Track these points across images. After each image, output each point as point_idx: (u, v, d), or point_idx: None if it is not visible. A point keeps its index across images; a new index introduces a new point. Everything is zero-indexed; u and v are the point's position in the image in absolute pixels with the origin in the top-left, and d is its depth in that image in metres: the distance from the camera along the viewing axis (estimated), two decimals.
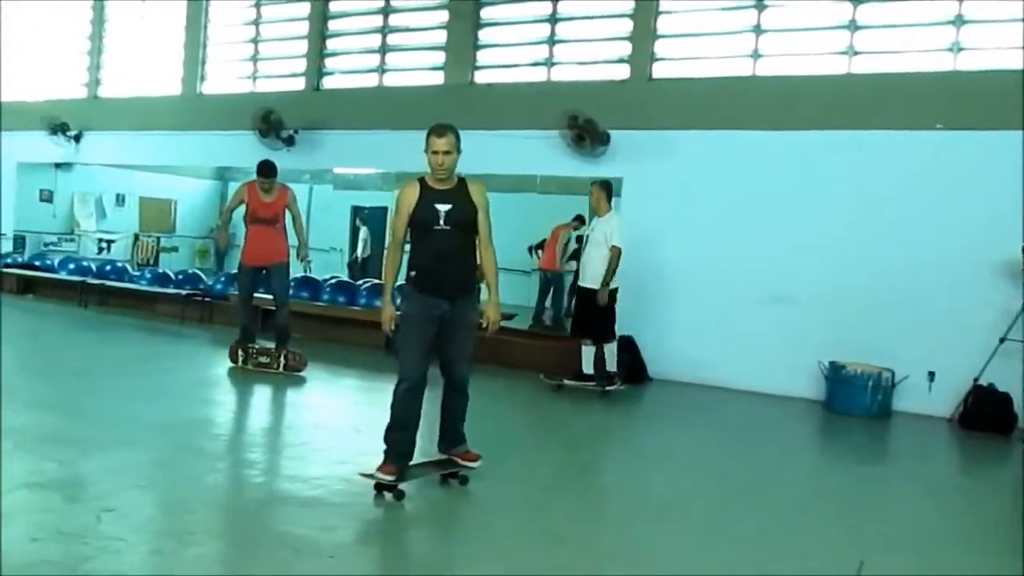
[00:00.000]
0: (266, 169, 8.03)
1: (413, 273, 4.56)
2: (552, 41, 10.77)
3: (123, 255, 18.80)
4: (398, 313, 4.62)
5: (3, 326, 11.10)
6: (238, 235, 8.94)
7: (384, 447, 4.56)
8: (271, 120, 12.08)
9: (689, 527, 4.50)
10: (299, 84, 12.64)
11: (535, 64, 10.89)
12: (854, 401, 8.31)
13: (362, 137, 11.76)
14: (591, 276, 8.11)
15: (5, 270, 13.85)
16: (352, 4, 12.42)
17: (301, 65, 12.64)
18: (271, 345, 8.36)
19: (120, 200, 19.58)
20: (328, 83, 12.57)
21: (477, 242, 4.61)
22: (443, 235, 4.45)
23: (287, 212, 8.19)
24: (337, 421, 6.69)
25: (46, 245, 17.74)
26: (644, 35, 10.02)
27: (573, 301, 9.71)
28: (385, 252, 4.78)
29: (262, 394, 7.59)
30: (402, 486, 4.44)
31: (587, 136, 9.80)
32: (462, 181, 4.55)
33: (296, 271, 12.68)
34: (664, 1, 10.01)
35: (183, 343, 10.52)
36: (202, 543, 3.81)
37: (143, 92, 14.39)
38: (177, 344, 10.42)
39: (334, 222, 18.90)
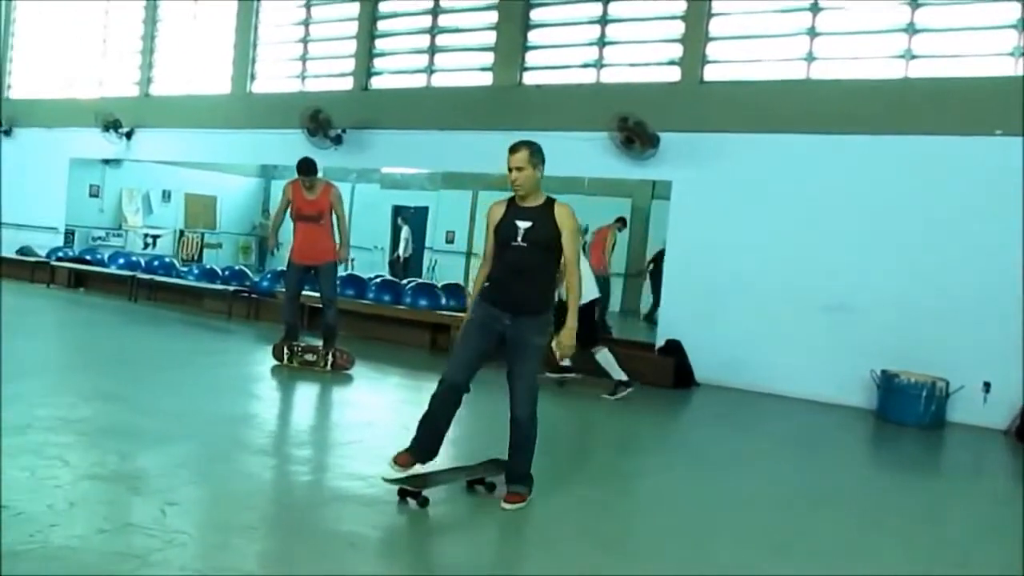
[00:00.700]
0: (305, 168, 8.05)
1: (486, 284, 4.61)
2: (602, 43, 10.72)
3: (168, 250, 19.10)
4: None
5: (59, 319, 11.37)
6: (284, 232, 8.98)
7: (412, 436, 4.55)
8: (319, 119, 12.17)
9: (755, 539, 4.44)
10: (347, 84, 12.72)
11: (585, 66, 10.84)
12: (907, 411, 8.17)
13: (410, 137, 11.82)
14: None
15: (57, 264, 14.14)
16: (401, 4, 12.48)
17: (350, 65, 12.72)
18: (317, 343, 8.42)
19: (166, 196, 19.88)
20: (376, 83, 12.64)
21: (563, 264, 4.52)
22: (517, 251, 4.45)
23: (332, 211, 8.23)
24: (387, 419, 6.71)
25: (94, 239, 18.07)
26: (696, 37, 9.94)
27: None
28: (478, 266, 4.78)
29: (311, 391, 7.64)
30: (427, 493, 4.33)
31: (637, 138, 9.74)
32: (550, 202, 4.48)
33: (342, 269, 12.80)
34: (716, 3, 9.91)
35: (231, 339, 10.63)
36: (265, 539, 3.84)
37: (194, 91, 14.59)
38: (225, 340, 10.54)
39: (376, 221, 19.01)
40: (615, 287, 13.31)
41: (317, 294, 8.60)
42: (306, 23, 13.41)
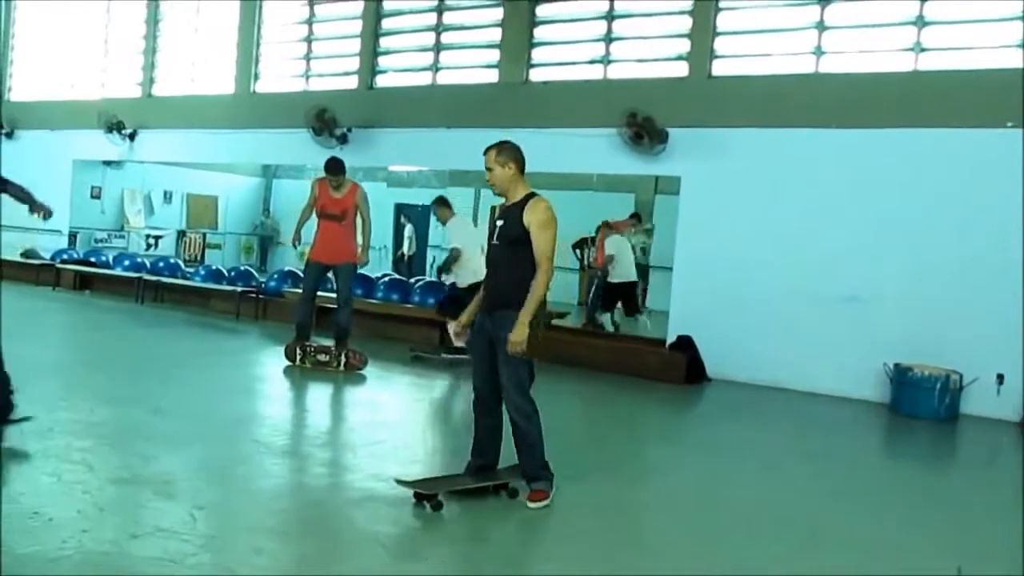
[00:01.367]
0: (334, 166, 8.08)
1: None
2: (609, 39, 10.69)
3: (170, 251, 19.09)
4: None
5: (68, 321, 11.34)
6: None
7: None
8: (325, 118, 12.14)
9: (784, 532, 4.45)
10: (352, 83, 12.67)
11: (591, 62, 10.81)
12: (921, 404, 8.16)
13: (415, 135, 11.79)
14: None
15: (62, 266, 14.10)
16: (406, 3, 12.43)
17: (354, 64, 12.67)
18: (328, 343, 8.40)
19: (167, 197, 19.87)
20: (381, 81, 12.60)
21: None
22: (493, 249, 4.56)
23: (357, 212, 8.22)
24: (404, 419, 6.72)
25: (97, 241, 18.05)
26: (703, 32, 9.91)
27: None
28: None
29: (327, 392, 7.63)
30: (442, 497, 4.27)
31: (646, 134, 9.72)
32: (527, 198, 4.43)
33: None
34: None
35: (241, 339, 10.62)
36: (298, 541, 3.83)
37: (197, 91, 14.55)
38: (235, 340, 10.52)
39: (379, 220, 18.97)
40: None
41: (333, 294, 8.60)
42: (310, 22, 13.37)
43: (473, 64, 11.83)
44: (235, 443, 5.45)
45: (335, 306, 8.56)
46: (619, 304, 11.93)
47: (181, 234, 20.15)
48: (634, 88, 10.24)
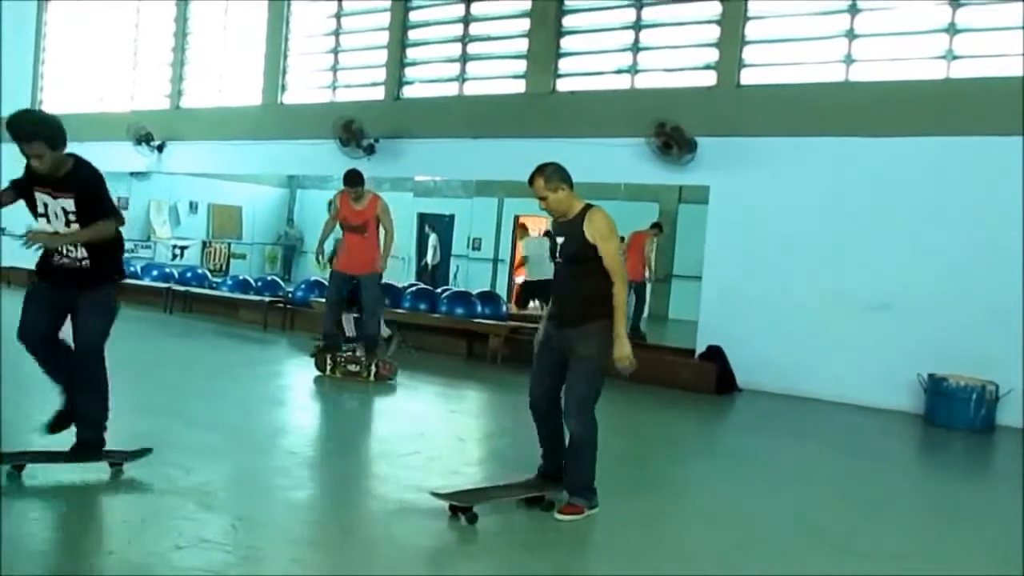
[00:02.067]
0: (352, 178, 8.13)
1: None
2: (636, 48, 10.69)
3: (195, 261, 19.22)
4: None
5: None
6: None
7: None
8: (352, 129, 12.21)
9: (822, 545, 4.39)
10: (379, 93, 12.75)
11: (619, 71, 10.81)
12: (956, 415, 8.06)
13: (442, 145, 11.83)
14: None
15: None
16: (433, 13, 12.50)
17: (381, 75, 12.75)
18: (359, 353, 8.41)
19: (193, 207, 20.02)
20: (408, 92, 12.66)
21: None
22: (557, 267, 4.53)
23: (379, 223, 8.23)
24: (438, 429, 6.70)
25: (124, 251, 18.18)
26: (732, 41, 9.88)
27: None
28: None
29: (358, 402, 7.64)
30: (477, 509, 4.22)
31: (674, 143, 9.70)
32: (583, 212, 4.39)
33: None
34: (753, 7, 9.85)
35: (270, 349, 10.66)
36: (338, 553, 3.82)
37: (225, 102, 14.68)
38: (265, 350, 10.57)
39: (402, 229, 19.01)
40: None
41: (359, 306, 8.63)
42: (337, 33, 13.47)
43: (500, 74, 11.87)
44: (271, 454, 5.47)
45: (363, 316, 8.57)
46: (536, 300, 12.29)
47: (205, 244, 20.29)
48: (662, 98, 10.23)
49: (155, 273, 14.46)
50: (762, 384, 9.20)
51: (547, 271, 11.92)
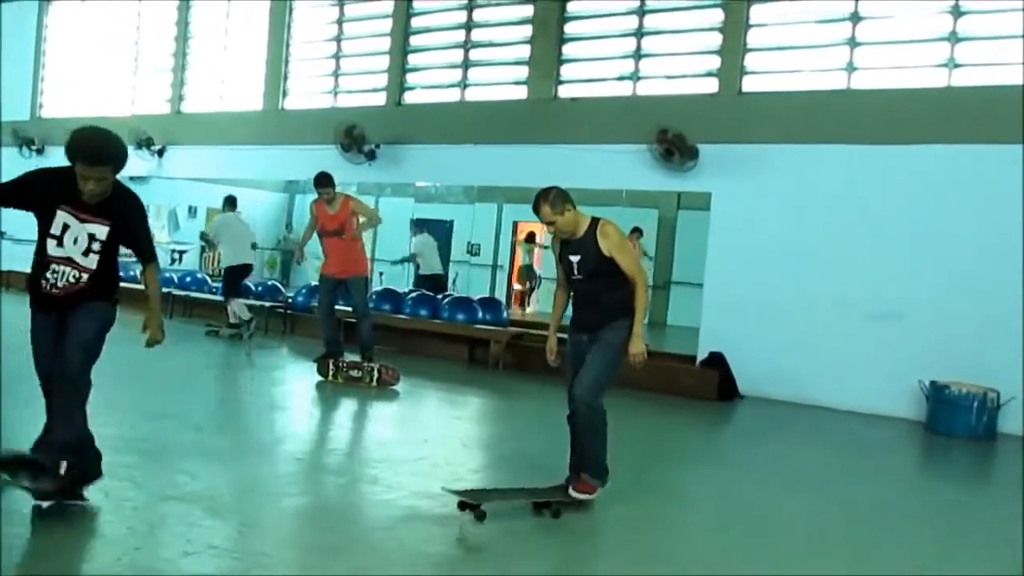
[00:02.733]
0: (321, 180, 8.23)
1: (567, 310, 4.81)
2: (638, 55, 10.72)
3: (193, 265, 19.19)
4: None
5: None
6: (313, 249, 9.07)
7: None
8: (353, 135, 12.21)
9: (827, 552, 4.40)
10: (381, 99, 12.76)
11: (621, 78, 10.83)
12: (958, 422, 8.08)
13: (444, 151, 11.84)
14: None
15: None
16: (434, 19, 12.51)
17: (383, 80, 12.76)
18: (359, 359, 8.41)
19: (192, 212, 19.99)
20: (410, 98, 12.67)
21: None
22: (578, 284, 4.64)
23: (356, 219, 8.30)
24: (443, 435, 6.70)
25: (123, 255, 18.14)
26: (734, 48, 9.92)
27: None
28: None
29: (362, 408, 7.64)
30: (485, 507, 4.26)
31: (676, 150, 9.72)
32: (592, 226, 4.54)
33: (376, 285, 12.80)
34: (755, 14, 9.88)
35: (271, 354, 10.65)
36: (348, 559, 3.80)
37: (226, 107, 14.68)
38: (265, 356, 10.54)
39: (403, 235, 19.01)
40: None
41: (350, 308, 8.67)
42: (338, 39, 13.48)
43: (501, 81, 11.89)
44: (276, 460, 5.47)
45: (355, 320, 8.62)
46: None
47: (203, 249, 20.25)
48: (663, 105, 10.25)
49: (169, 277, 14.41)
50: (764, 391, 9.21)
51: (438, 265, 13.36)
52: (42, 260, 3.92)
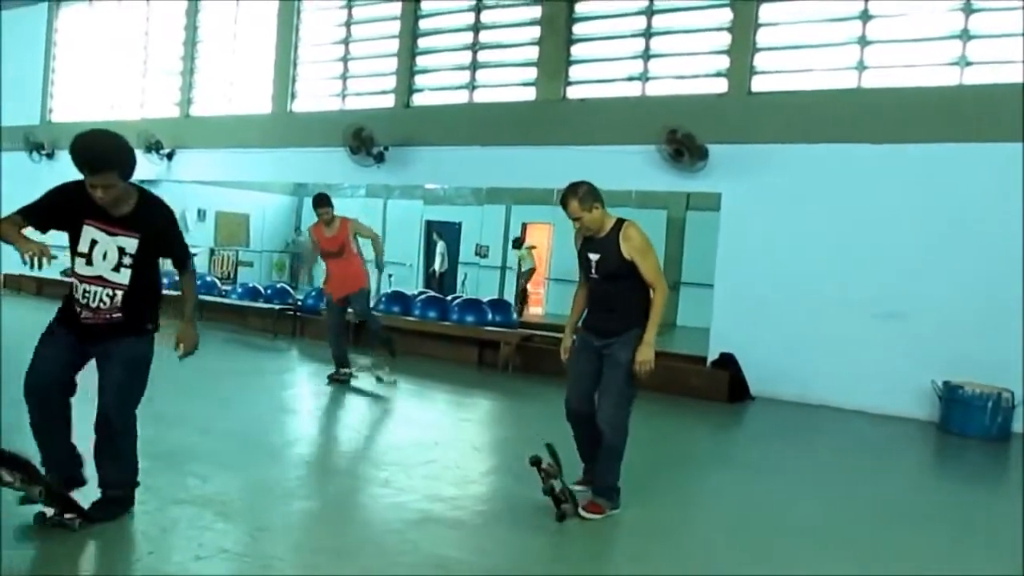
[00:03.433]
0: (320, 200, 8.24)
1: (584, 311, 4.76)
2: (647, 56, 10.68)
3: (202, 269, 19.24)
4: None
5: None
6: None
7: None
8: (362, 137, 12.21)
9: (843, 554, 4.36)
10: (389, 101, 12.75)
11: (629, 79, 10.80)
12: (972, 423, 8.01)
13: (452, 153, 11.83)
14: None
15: None
16: (443, 21, 12.50)
17: (391, 82, 12.75)
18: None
19: (201, 215, 20.06)
20: (418, 100, 12.66)
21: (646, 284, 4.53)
22: (595, 283, 4.59)
23: (355, 240, 8.36)
24: (453, 437, 6.69)
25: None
26: (743, 48, 9.86)
27: None
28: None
29: (372, 410, 7.64)
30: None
31: (686, 150, 9.68)
32: (617, 227, 4.48)
33: (385, 286, 12.82)
34: (764, 13, 9.84)
35: (280, 357, 10.65)
36: (360, 564, 3.79)
37: (234, 111, 14.70)
38: (276, 359, 10.55)
39: (411, 237, 19.06)
40: None
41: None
42: (346, 41, 13.48)
43: (510, 82, 11.86)
44: (286, 463, 5.46)
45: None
46: None
47: (213, 252, 20.31)
48: (672, 105, 10.22)
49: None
50: (775, 392, 9.17)
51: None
52: (74, 283, 3.80)
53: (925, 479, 6.83)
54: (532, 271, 17.06)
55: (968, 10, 8.80)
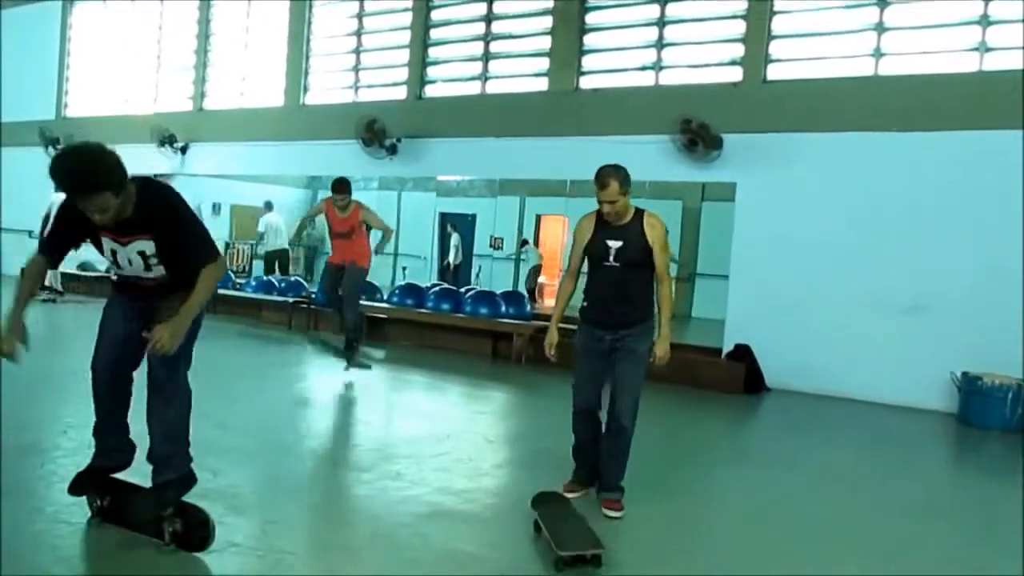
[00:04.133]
0: (340, 186, 8.18)
1: (584, 304, 4.60)
2: (660, 45, 10.58)
3: None
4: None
5: None
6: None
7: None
8: (375, 129, 12.18)
9: (863, 549, 4.30)
10: (401, 93, 12.71)
11: (643, 68, 10.70)
12: (992, 414, 7.92)
13: (465, 145, 11.78)
14: None
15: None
16: (455, 12, 12.43)
17: (403, 74, 12.71)
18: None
19: (216, 209, 20.09)
20: (430, 91, 12.61)
21: (655, 276, 4.50)
22: (611, 271, 4.44)
23: (364, 226, 8.32)
24: (465, 430, 6.64)
25: None
26: (758, 36, 9.75)
27: None
28: (559, 280, 4.76)
29: (385, 403, 7.64)
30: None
31: (700, 140, 9.59)
32: (638, 215, 4.43)
33: (399, 279, 12.78)
34: (779, 1, 9.72)
35: (294, 350, 10.64)
36: (371, 558, 3.77)
37: (247, 104, 14.71)
38: (289, 352, 10.55)
39: (425, 229, 19.04)
40: None
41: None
42: (358, 33, 13.44)
43: (522, 73, 11.78)
44: (299, 456, 5.44)
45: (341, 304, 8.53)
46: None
47: (228, 245, 20.35)
48: (686, 94, 10.12)
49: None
50: (791, 384, 9.09)
51: (281, 242, 15.38)
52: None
53: (945, 471, 6.76)
54: (539, 267, 17.04)
55: None
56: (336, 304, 8.46)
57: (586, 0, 11.09)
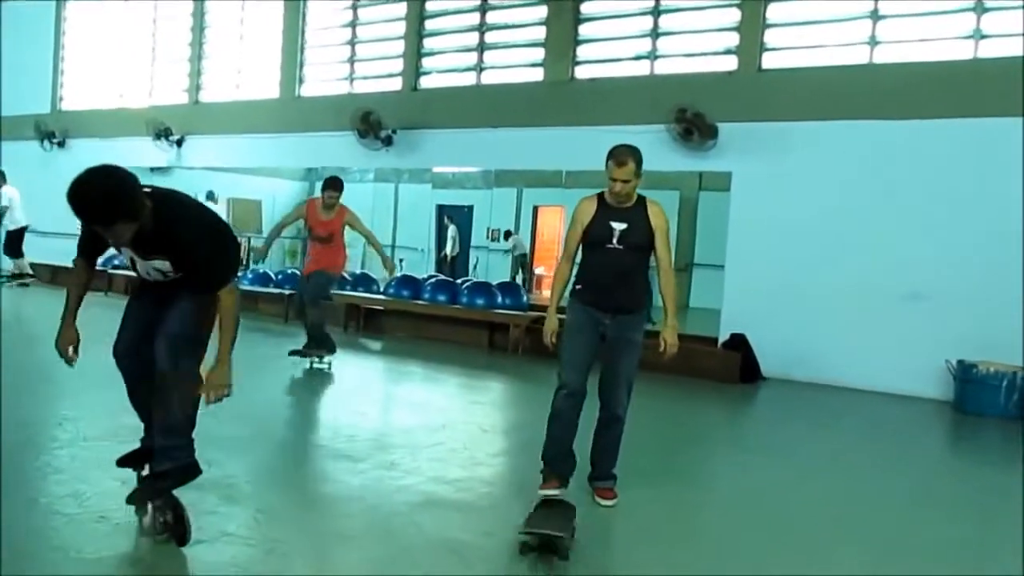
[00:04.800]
0: (333, 183, 7.99)
1: (579, 287, 4.52)
2: (655, 34, 10.57)
3: None
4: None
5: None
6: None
7: (542, 465, 4.49)
8: (370, 121, 12.17)
9: (859, 536, 4.31)
10: (396, 84, 12.70)
11: (638, 58, 10.69)
12: (987, 402, 7.94)
13: (461, 136, 11.77)
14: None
15: (114, 272, 14.28)
16: (449, 3, 12.42)
17: (398, 65, 12.70)
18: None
19: (211, 198, 20.04)
20: (426, 82, 12.60)
21: (654, 262, 4.45)
22: (613, 253, 4.36)
23: (346, 231, 8.12)
24: (460, 420, 6.66)
25: None
26: (753, 25, 9.75)
27: None
28: (556, 264, 4.69)
29: (382, 394, 7.65)
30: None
31: (696, 130, 9.58)
32: (641, 201, 4.38)
33: (397, 271, 12.75)
34: None
35: (290, 342, 10.57)
36: (365, 547, 3.77)
37: (243, 96, 14.68)
38: (286, 343, 10.46)
39: (421, 221, 19.00)
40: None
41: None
42: (353, 24, 13.42)
43: (517, 63, 11.78)
44: (293, 446, 5.46)
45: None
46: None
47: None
48: (682, 83, 10.11)
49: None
50: (787, 373, 9.10)
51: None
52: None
53: (941, 459, 6.78)
54: (524, 255, 17.06)
55: None
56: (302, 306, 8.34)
57: None
